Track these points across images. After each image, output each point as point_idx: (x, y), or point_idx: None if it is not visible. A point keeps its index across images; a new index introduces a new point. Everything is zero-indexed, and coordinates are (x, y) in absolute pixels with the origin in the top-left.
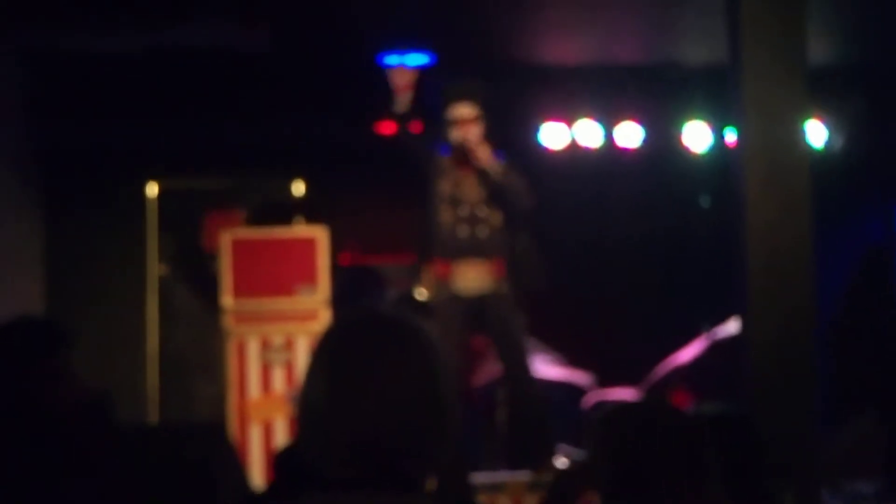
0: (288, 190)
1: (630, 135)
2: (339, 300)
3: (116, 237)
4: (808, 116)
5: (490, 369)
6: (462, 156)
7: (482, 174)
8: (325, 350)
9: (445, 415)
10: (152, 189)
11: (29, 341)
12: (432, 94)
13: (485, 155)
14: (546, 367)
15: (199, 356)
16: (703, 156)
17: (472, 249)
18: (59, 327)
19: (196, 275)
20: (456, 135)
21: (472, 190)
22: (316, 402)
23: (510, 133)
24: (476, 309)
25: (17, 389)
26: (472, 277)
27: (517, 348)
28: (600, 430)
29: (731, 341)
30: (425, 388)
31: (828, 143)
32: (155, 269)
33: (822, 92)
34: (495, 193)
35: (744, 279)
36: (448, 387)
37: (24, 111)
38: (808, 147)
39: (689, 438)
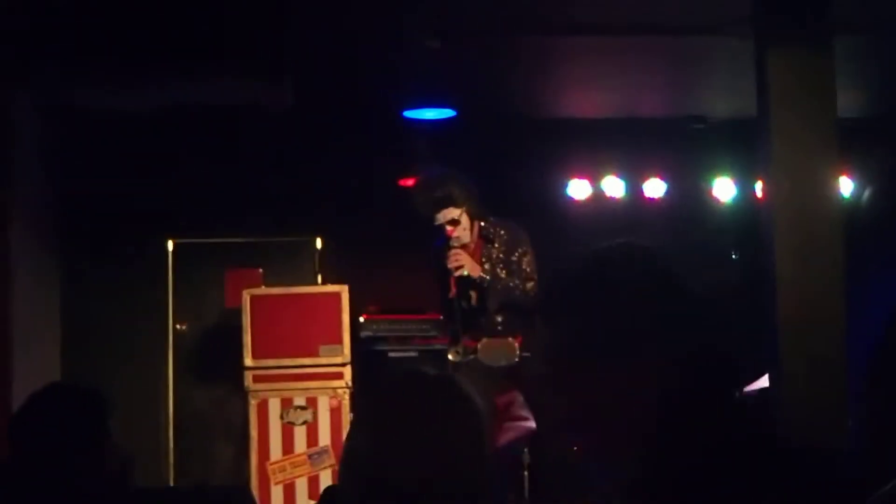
0: (308, 247)
1: (655, 187)
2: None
3: (134, 295)
4: (839, 169)
5: (516, 427)
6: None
7: (477, 286)
8: (372, 404)
9: (484, 469)
10: (171, 246)
11: (84, 409)
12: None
13: (468, 266)
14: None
15: (218, 416)
16: (728, 208)
17: (492, 330)
18: (103, 395)
19: (216, 333)
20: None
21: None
22: (361, 455)
23: (537, 187)
24: (503, 372)
25: (72, 455)
26: (498, 353)
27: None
28: None
29: (760, 397)
30: (467, 443)
31: (855, 197)
32: (173, 327)
33: (849, 145)
34: (494, 295)
35: (774, 334)
36: (486, 442)
37: (43, 167)
38: (840, 202)
39: None
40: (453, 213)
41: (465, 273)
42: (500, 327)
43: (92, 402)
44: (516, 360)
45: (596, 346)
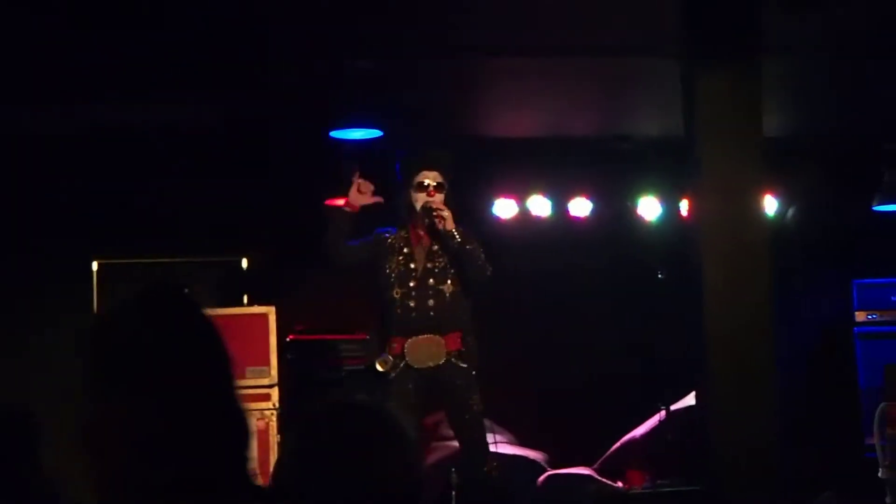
0: (234, 267)
1: (581, 206)
2: (290, 377)
3: (59, 316)
4: (765, 188)
5: (444, 447)
6: (426, 220)
7: (444, 239)
8: (300, 435)
9: (415, 501)
10: (95, 267)
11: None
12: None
13: (449, 219)
14: (500, 446)
15: None
16: (653, 227)
17: (423, 325)
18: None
19: None
20: (422, 199)
21: (420, 265)
22: (289, 487)
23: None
24: (431, 384)
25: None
26: (424, 353)
27: (473, 425)
28: None
29: (687, 416)
30: (397, 474)
31: (779, 215)
32: None
33: (774, 164)
34: (456, 260)
35: (702, 353)
36: (418, 473)
37: None
38: (767, 221)
39: None
40: (442, 179)
41: (446, 215)
42: (432, 312)
43: (23, 425)
44: (442, 361)
45: None
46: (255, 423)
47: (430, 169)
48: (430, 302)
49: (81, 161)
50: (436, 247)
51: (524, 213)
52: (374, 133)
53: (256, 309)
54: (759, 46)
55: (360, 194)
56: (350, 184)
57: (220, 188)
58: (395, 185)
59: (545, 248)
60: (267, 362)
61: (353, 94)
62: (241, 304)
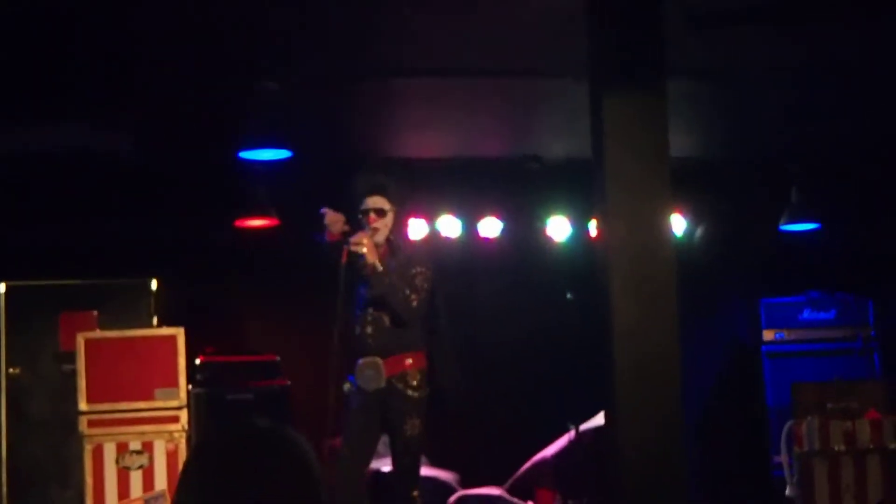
0: (143, 289)
1: (491, 227)
2: (200, 399)
3: None
4: (672, 209)
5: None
6: (350, 258)
7: (368, 277)
8: (199, 459)
9: None
10: (2, 289)
11: None
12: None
13: (368, 252)
14: None
15: (53, 461)
16: (563, 248)
17: (367, 348)
18: None
19: (50, 377)
20: (359, 233)
21: (364, 291)
22: None
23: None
24: (379, 405)
25: None
26: (368, 375)
27: (407, 452)
28: None
29: (596, 436)
30: (296, 498)
31: (687, 235)
32: (6, 371)
33: (682, 184)
34: (377, 297)
35: (610, 374)
36: (316, 494)
37: None
38: (674, 240)
39: None
40: (384, 204)
41: (363, 251)
42: (370, 340)
43: None
44: (383, 384)
45: None
46: (164, 446)
47: (370, 195)
48: (369, 329)
49: None
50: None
51: (434, 233)
52: (283, 153)
53: (165, 330)
54: (665, 68)
55: (333, 224)
56: (321, 221)
57: (129, 210)
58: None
59: (454, 268)
60: (176, 384)
61: (261, 114)
62: (150, 326)
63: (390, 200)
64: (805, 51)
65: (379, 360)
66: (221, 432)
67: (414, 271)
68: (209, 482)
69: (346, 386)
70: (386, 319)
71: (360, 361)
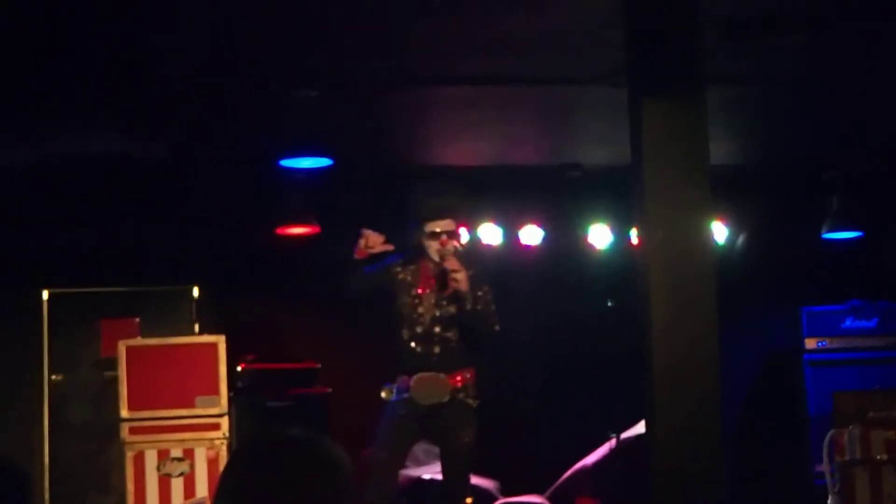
0: (185, 296)
1: (532, 235)
2: (240, 406)
3: (8, 346)
4: (712, 217)
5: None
6: (441, 278)
7: (458, 300)
8: (234, 467)
9: None
10: (46, 296)
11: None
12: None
13: (463, 281)
14: None
15: (95, 469)
16: (604, 255)
17: (428, 366)
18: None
19: (92, 384)
20: (436, 254)
21: (428, 313)
22: None
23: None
24: (427, 417)
25: None
26: (429, 390)
27: (463, 460)
28: None
29: (637, 444)
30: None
31: (729, 243)
32: (47, 378)
33: (724, 192)
34: (464, 318)
35: (649, 381)
36: (348, 500)
37: None
38: (713, 248)
39: None
40: (452, 225)
41: (460, 279)
42: (435, 359)
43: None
44: (446, 398)
45: None
46: (205, 453)
47: (439, 218)
48: (436, 349)
49: (33, 191)
50: (444, 297)
51: (475, 241)
52: (324, 161)
53: (206, 338)
54: (703, 75)
55: (369, 248)
56: (360, 237)
57: (171, 217)
58: (404, 218)
59: (495, 276)
60: (216, 391)
61: (301, 123)
62: (192, 333)
63: (457, 220)
64: (845, 57)
65: (443, 376)
66: (256, 441)
67: (483, 290)
68: (245, 490)
69: (385, 393)
70: (454, 339)
71: (417, 376)
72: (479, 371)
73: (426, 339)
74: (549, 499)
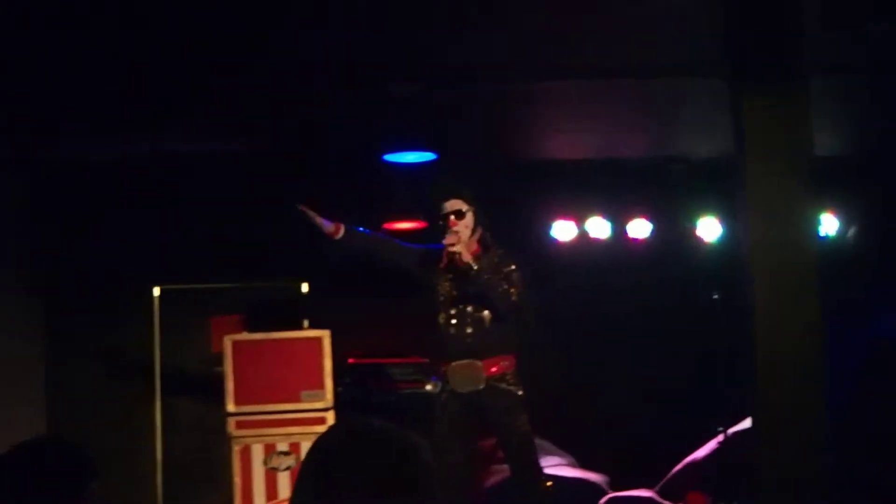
0: (293, 292)
1: (640, 228)
2: (346, 400)
3: (120, 343)
4: (816, 208)
5: (502, 470)
6: (449, 258)
7: (464, 275)
8: (314, 459)
9: None
10: (156, 294)
11: (65, 471)
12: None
13: (462, 252)
14: (561, 469)
15: (204, 463)
16: (713, 248)
17: (463, 350)
18: (89, 455)
19: (201, 379)
20: (445, 236)
21: (459, 290)
22: None
23: (521, 229)
24: (477, 407)
25: None
26: (464, 378)
27: (522, 448)
28: None
29: (746, 438)
30: (408, 499)
31: (839, 235)
32: (158, 374)
33: (832, 183)
34: (476, 295)
35: (753, 374)
36: (429, 492)
37: (27, 219)
38: (815, 240)
39: None
40: (460, 205)
41: (458, 251)
42: (469, 339)
43: (77, 462)
44: (482, 386)
45: None
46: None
47: (446, 199)
48: (469, 329)
49: (144, 188)
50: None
51: (583, 235)
52: (427, 156)
53: (311, 333)
54: (805, 65)
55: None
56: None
57: (278, 214)
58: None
59: (604, 269)
60: (322, 386)
61: (405, 117)
62: (300, 329)
63: (466, 201)
64: None
65: (478, 363)
66: (335, 431)
67: (507, 269)
68: (323, 481)
69: (430, 386)
70: (486, 319)
71: (453, 364)
72: (519, 359)
73: (459, 319)
74: (658, 493)
